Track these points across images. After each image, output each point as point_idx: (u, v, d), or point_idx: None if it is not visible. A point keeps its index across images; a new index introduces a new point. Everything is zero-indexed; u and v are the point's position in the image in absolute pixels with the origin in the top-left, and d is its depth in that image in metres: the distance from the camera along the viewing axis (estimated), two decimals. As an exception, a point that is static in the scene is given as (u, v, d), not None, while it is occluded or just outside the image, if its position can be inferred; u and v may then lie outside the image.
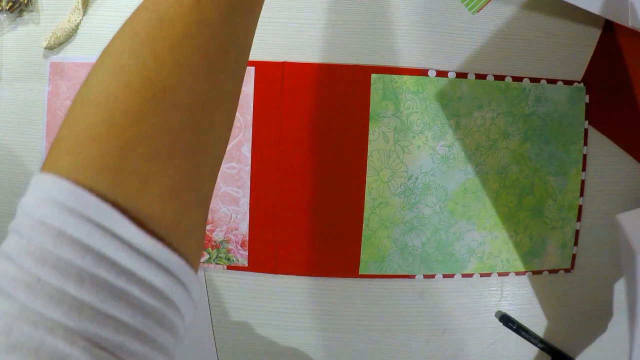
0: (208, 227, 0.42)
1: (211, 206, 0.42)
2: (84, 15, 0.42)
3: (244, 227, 0.42)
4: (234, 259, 0.42)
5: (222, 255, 0.42)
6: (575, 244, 0.45)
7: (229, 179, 0.41)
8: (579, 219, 0.45)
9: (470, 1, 0.42)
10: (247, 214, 0.42)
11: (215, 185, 0.41)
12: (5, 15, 0.42)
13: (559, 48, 0.44)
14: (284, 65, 0.41)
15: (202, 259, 0.42)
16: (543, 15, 0.44)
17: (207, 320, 0.43)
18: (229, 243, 0.42)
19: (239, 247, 0.42)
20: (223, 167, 0.41)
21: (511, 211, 0.44)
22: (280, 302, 0.43)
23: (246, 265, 0.42)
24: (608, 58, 0.45)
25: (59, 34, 0.41)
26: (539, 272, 0.45)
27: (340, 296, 0.44)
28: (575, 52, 0.44)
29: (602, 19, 0.44)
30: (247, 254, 0.42)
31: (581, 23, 0.44)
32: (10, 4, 0.41)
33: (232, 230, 0.42)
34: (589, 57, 0.45)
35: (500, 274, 0.44)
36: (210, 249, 0.42)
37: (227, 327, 0.43)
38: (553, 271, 0.45)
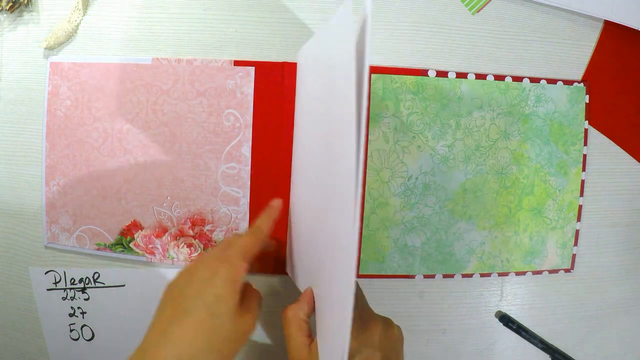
0: (208, 227, 0.42)
1: (211, 206, 0.42)
2: (84, 15, 0.42)
3: (244, 227, 0.42)
4: (234, 259, 0.42)
5: (222, 255, 0.42)
6: (575, 244, 0.45)
7: (229, 179, 0.41)
8: (579, 219, 0.45)
9: (470, 1, 0.42)
10: (247, 214, 0.42)
11: (215, 185, 0.41)
12: (5, 15, 0.42)
13: (559, 48, 0.44)
14: (283, 65, 0.41)
15: (202, 259, 0.42)
16: (543, 15, 0.44)
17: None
18: (229, 243, 0.42)
19: (239, 247, 0.42)
20: (223, 167, 0.41)
21: (511, 211, 0.44)
22: (280, 303, 0.43)
23: (246, 265, 0.42)
24: (608, 58, 0.45)
25: (59, 34, 0.41)
26: (539, 272, 0.45)
27: (340, 296, 0.44)
28: (575, 52, 0.44)
29: (602, 20, 0.44)
30: (247, 254, 0.42)
31: (581, 23, 0.44)
32: (10, 4, 0.41)
33: (232, 230, 0.42)
34: (589, 57, 0.45)
35: (500, 274, 0.44)
36: (210, 248, 0.42)
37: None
38: (553, 271, 0.45)
